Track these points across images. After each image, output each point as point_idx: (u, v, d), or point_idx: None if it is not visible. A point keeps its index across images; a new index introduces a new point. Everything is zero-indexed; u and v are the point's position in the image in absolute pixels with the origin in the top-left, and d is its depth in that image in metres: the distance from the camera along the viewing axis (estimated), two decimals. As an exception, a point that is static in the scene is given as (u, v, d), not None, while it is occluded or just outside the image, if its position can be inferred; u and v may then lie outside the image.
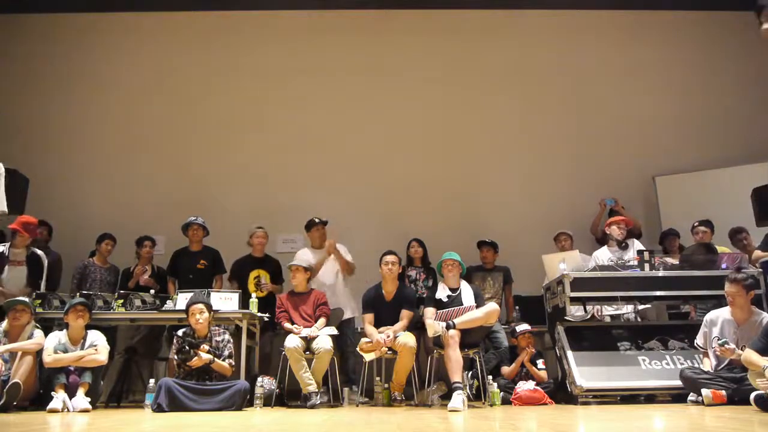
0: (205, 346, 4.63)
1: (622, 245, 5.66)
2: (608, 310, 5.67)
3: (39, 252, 5.66)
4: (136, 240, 6.12)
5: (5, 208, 3.72)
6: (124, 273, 6.12)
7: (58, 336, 4.76)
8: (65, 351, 4.66)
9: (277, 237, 6.88)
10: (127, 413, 4.52)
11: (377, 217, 7.01)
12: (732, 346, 4.19)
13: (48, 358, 4.60)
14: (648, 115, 7.52)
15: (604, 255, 5.69)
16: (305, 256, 5.85)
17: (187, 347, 4.56)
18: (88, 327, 4.87)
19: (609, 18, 7.83)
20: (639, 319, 5.62)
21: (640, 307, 5.56)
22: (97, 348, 4.74)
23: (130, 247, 6.15)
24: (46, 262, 5.64)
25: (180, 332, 4.76)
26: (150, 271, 6.08)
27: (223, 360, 4.66)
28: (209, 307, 4.80)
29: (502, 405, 4.79)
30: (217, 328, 4.85)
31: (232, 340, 4.84)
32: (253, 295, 5.50)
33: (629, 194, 7.02)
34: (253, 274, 6.01)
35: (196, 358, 4.53)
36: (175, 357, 4.66)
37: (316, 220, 5.99)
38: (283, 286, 6.09)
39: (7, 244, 5.47)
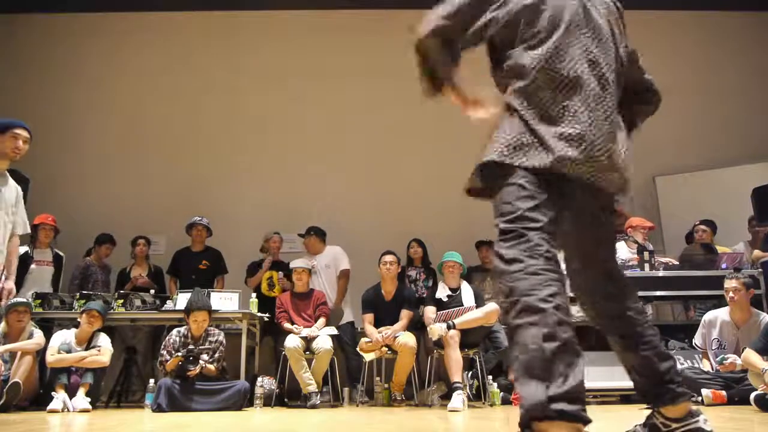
0: (205, 356, 4.62)
1: (640, 249, 5.58)
2: None
3: (60, 253, 5.71)
4: (131, 240, 6.13)
5: (29, 231, 3.80)
6: (120, 273, 6.11)
7: (65, 335, 4.76)
8: (69, 351, 4.66)
9: (277, 237, 6.88)
10: (127, 413, 4.53)
11: (377, 218, 7.00)
12: (732, 358, 4.18)
13: (51, 357, 4.61)
14: (648, 115, 7.51)
15: (623, 249, 5.62)
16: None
17: (191, 357, 4.52)
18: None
19: (609, 18, 7.82)
20: None
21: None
22: (100, 349, 4.74)
23: (129, 247, 6.16)
24: (64, 263, 5.68)
25: (175, 332, 4.74)
26: (146, 271, 6.08)
27: (213, 362, 4.65)
28: (210, 312, 4.79)
29: (502, 405, 4.79)
30: (212, 328, 4.84)
31: (225, 342, 4.83)
32: (253, 295, 5.50)
33: (629, 194, 7.01)
34: (266, 275, 6.01)
35: (197, 368, 4.50)
36: (167, 357, 4.63)
37: (312, 231, 5.97)
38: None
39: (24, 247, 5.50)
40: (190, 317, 4.70)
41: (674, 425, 1.67)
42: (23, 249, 5.49)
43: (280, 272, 5.97)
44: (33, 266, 5.45)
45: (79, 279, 5.83)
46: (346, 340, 5.61)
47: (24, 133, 3.49)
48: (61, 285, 5.80)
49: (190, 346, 4.61)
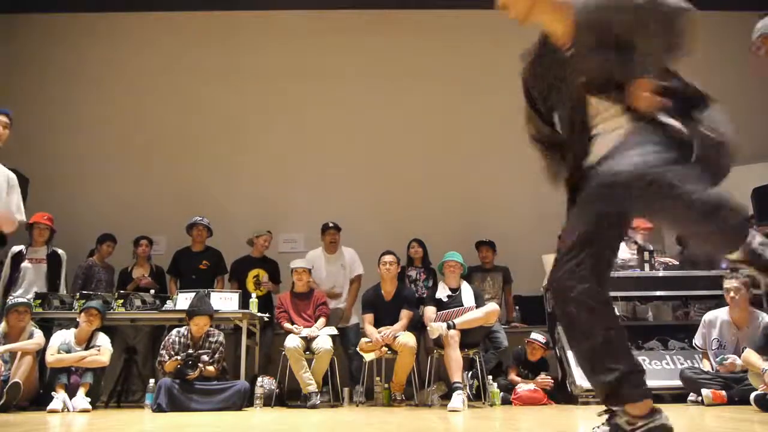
0: (205, 357, 4.61)
1: (640, 249, 5.56)
2: None
3: (60, 251, 5.69)
4: (133, 240, 6.14)
5: (24, 218, 3.78)
6: (121, 273, 6.12)
7: (64, 335, 4.76)
8: (69, 350, 4.66)
9: (278, 237, 6.87)
10: (127, 413, 4.53)
11: (377, 218, 7.00)
12: (732, 358, 4.18)
13: (51, 357, 4.60)
14: (648, 115, 7.50)
15: (622, 250, 5.59)
16: (315, 255, 5.91)
17: (191, 362, 4.51)
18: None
19: (609, 18, 7.81)
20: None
21: None
22: (100, 349, 4.74)
23: (130, 247, 6.16)
24: (65, 262, 5.66)
25: (174, 332, 4.73)
26: (148, 271, 6.08)
27: (213, 363, 4.65)
28: (212, 316, 4.79)
29: (502, 405, 4.79)
30: (212, 329, 4.83)
31: (224, 343, 4.83)
32: (253, 294, 5.51)
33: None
34: (252, 273, 6.02)
35: (195, 372, 4.50)
36: (166, 357, 4.62)
37: (330, 225, 5.97)
38: (280, 287, 6.11)
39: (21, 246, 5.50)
40: (192, 321, 4.69)
41: (639, 422, 1.68)
42: (18, 248, 5.49)
43: (265, 276, 5.98)
44: (26, 264, 5.45)
45: (82, 279, 5.83)
46: (352, 341, 5.59)
47: (3, 119, 3.48)
48: (63, 285, 5.80)
49: (190, 351, 4.60)
